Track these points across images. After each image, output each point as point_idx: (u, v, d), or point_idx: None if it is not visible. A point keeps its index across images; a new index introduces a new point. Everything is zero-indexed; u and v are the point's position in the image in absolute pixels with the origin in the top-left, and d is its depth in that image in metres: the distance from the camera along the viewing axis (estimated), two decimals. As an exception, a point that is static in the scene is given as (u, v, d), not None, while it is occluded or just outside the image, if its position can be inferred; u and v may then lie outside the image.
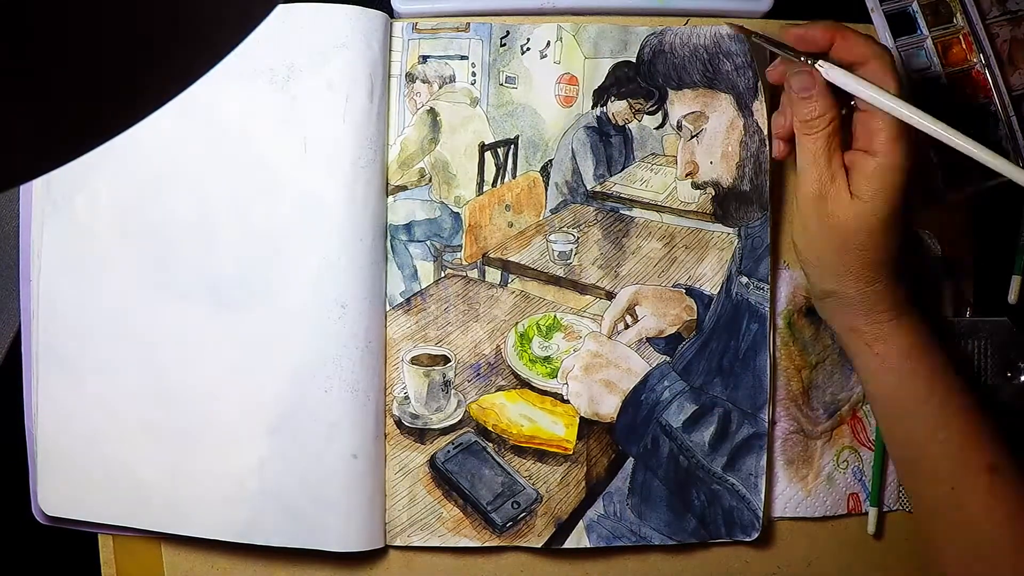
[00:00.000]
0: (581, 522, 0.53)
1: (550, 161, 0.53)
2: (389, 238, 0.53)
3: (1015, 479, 0.45)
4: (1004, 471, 0.45)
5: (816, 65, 0.45)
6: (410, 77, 0.53)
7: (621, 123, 0.54)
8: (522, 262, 0.54)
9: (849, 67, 0.45)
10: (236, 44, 0.22)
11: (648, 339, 0.53)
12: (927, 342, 0.47)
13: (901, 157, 0.44)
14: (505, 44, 0.53)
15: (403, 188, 0.53)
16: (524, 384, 0.53)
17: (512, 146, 0.53)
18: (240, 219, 0.51)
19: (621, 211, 0.54)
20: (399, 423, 0.53)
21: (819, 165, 0.45)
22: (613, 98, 0.53)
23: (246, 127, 0.51)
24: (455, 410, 0.53)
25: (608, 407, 0.53)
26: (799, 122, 0.46)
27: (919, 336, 0.47)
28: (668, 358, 0.53)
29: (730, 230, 0.54)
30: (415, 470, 0.52)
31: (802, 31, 0.46)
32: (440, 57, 0.53)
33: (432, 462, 0.52)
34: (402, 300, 0.53)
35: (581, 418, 0.53)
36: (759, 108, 0.53)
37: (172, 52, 0.21)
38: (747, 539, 0.53)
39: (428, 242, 0.53)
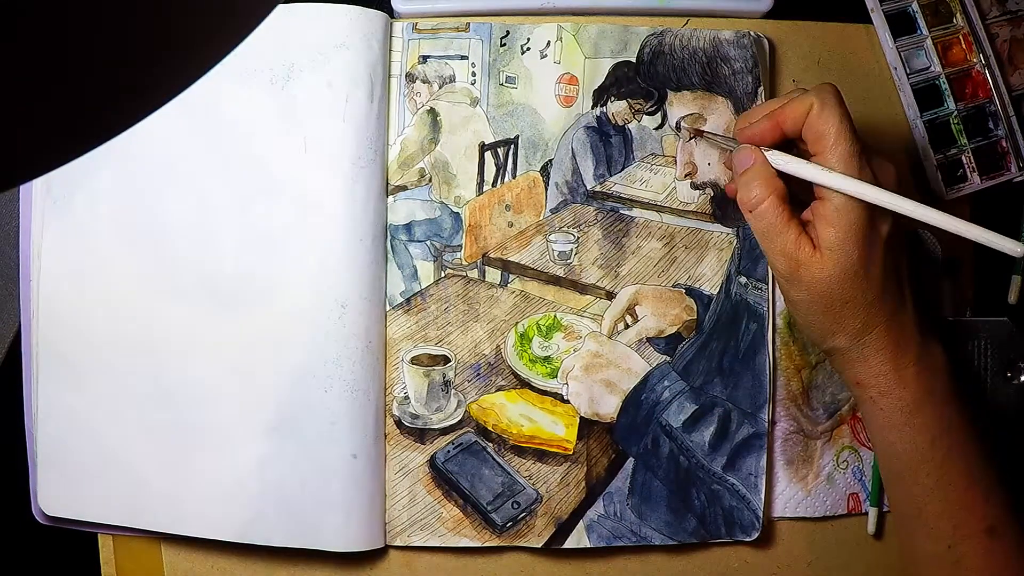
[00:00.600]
0: (581, 522, 0.53)
1: (550, 161, 0.53)
2: (389, 238, 0.53)
3: (1013, 541, 0.45)
4: (1003, 533, 0.44)
5: (767, 154, 0.45)
6: (410, 77, 0.53)
7: (621, 123, 0.54)
8: (522, 262, 0.54)
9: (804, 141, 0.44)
10: (236, 44, 0.22)
11: (648, 339, 0.53)
12: (935, 394, 0.45)
13: (849, 199, 0.42)
14: (505, 44, 0.53)
15: (403, 188, 0.53)
16: (524, 384, 0.53)
17: (512, 146, 0.53)
18: (240, 219, 0.51)
19: (621, 211, 0.54)
20: (399, 423, 0.53)
21: (777, 240, 0.44)
22: (613, 98, 0.53)
23: (246, 127, 0.51)
24: (455, 410, 0.53)
25: (608, 407, 0.53)
26: (743, 206, 0.45)
27: (926, 388, 0.45)
28: (668, 358, 0.53)
29: (729, 230, 0.54)
30: (415, 470, 0.52)
31: (751, 132, 0.45)
32: (440, 57, 0.53)
33: (432, 462, 0.52)
34: (402, 300, 0.53)
35: (581, 418, 0.53)
36: (759, 108, 0.53)
37: (172, 52, 0.21)
38: (747, 539, 0.53)
39: (428, 242, 0.53)
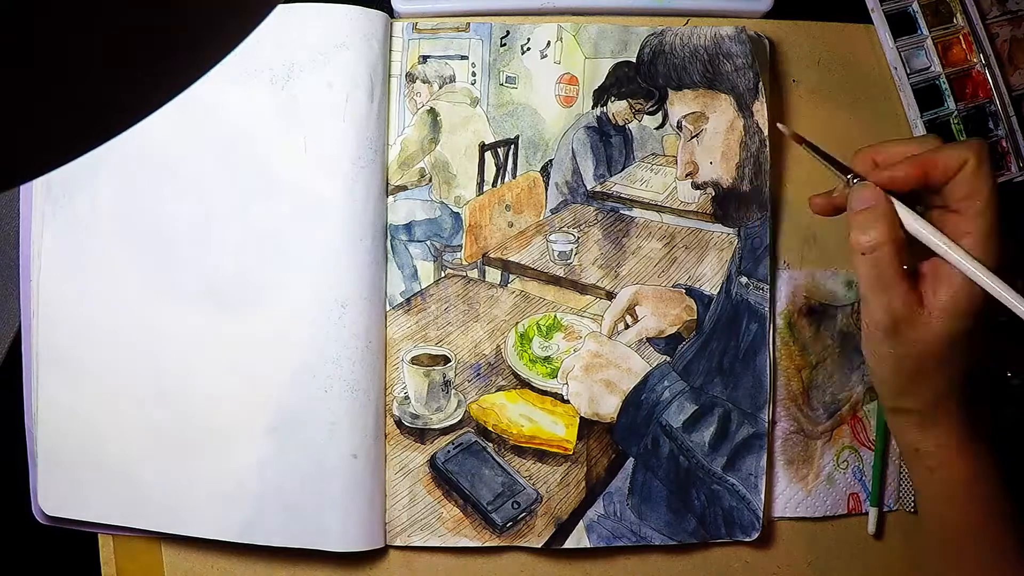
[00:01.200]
0: (581, 522, 0.53)
1: (550, 161, 0.53)
2: (389, 238, 0.53)
3: None
4: None
5: (899, 208, 0.41)
6: (410, 77, 0.53)
7: (621, 123, 0.54)
8: (522, 262, 0.54)
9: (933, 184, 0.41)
10: (236, 44, 0.22)
11: (648, 339, 0.53)
12: (990, 470, 0.44)
13: (991, 256, 0.40)
14: (505, 44, 0.53)
15: (403, 188, 0.53)
16: (524, 384, 0.53)
17: (512, 146, 0.53)
18: (240, 219, 0.51)
19: (621, 211, 0.54)
20: (399, 423, 0.53)
21: (885, 292, 0.41)
22: (613, 98, 0.53)
23: (246, 127, 0.51)
24: (455, 410, 0.53)
25: (608, 407, 0.53)
26: (855, 246, 0.42)
27: (985, 463, 0.44)
28: (668, 358, 0.53)
29: (730, 230, 0.54)
30: (415, 470, 0.52)
31: (889, 175, 0.42)
32: (440, 57, 0.53)
33: (432, 462, 0.52)
34: (402, 300, 0.53)
35: (581, 418, 0.53)
36: (759, 109, 0.53)
37: (172, 52, 0.21)
38: (747, 539, 0.53)
39: (428, 242, 0.53)
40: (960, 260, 0.40)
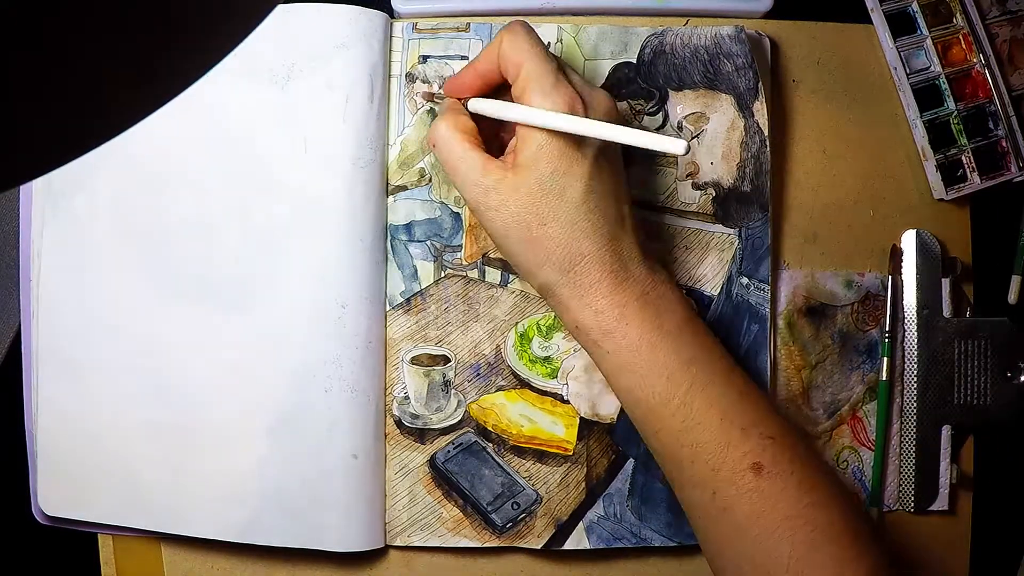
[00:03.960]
0: (581, 523, 0.53)
1: (550, 161, 0.53)
2: (389, 238, 0.53)
3: (784, 475, 0.40)
4: (771, 469, 0.40)
5: (468, 102, 0.45)
6: (410, 77, 0.53)
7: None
8: (522, 262, 0.54)
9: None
10: (236, 44, 0.22)
11: (648, 339, 0.53)
12: (665, 329, 0.41)
13: (551, 102, 0.40)
14: (505, 44, 0.53)
15: (403, 188, 0.53)
16: (524, 384, 0.53)
17: (512, 146, 0.53)
18: (240, 219, 0.51)
19: (621, 211, 0.54)
20: (399, 423, 0.53)
21: (462, 166, 0.42)
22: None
23: (246, 127, 0.51)
24: (455, 410, 0.53)
25: (608, 408, 0.53)
26: (429, 144, 0.45)
27: (653, 324, 0.41)
28: (668, 358, 0.53)
29: (731, 231, 0.53)
30: (415, 470, 0.52)
31: (454, 83, 0.46)
32: (440, 57, 0.53)
33: (432, 462, 0.52)
34: (402, 300, 0.53)
35: (581, 419, 0.53)
36: (760, 109, 0.53)
37: (171, 52, 0.21)
38: (747, 539, 0.53)
39: (428, 242, 0.53)
40: (509, 111, 0.41)
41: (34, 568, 0.55)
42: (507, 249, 0.43)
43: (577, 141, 0.41)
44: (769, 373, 0.53)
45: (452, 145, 0.43)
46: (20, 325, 0.52)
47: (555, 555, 0.53)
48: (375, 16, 0.51)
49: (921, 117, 0.54)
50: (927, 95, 0.55)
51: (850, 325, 0.55)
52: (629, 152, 0.49)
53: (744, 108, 0.53)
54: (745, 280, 0.53)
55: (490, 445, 0.53)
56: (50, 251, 0.51)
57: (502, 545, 0.52)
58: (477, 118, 0.45)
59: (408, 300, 0.53)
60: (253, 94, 0.51)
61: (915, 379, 0.54)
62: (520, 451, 0.53)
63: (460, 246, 0.53)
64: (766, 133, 0.53)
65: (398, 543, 0.52)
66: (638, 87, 0.53)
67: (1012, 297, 0.56)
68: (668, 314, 0.42)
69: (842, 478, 0.55)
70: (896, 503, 0.55)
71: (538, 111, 0.41)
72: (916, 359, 0.54)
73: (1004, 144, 0.55)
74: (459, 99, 0.46)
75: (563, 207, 0.40)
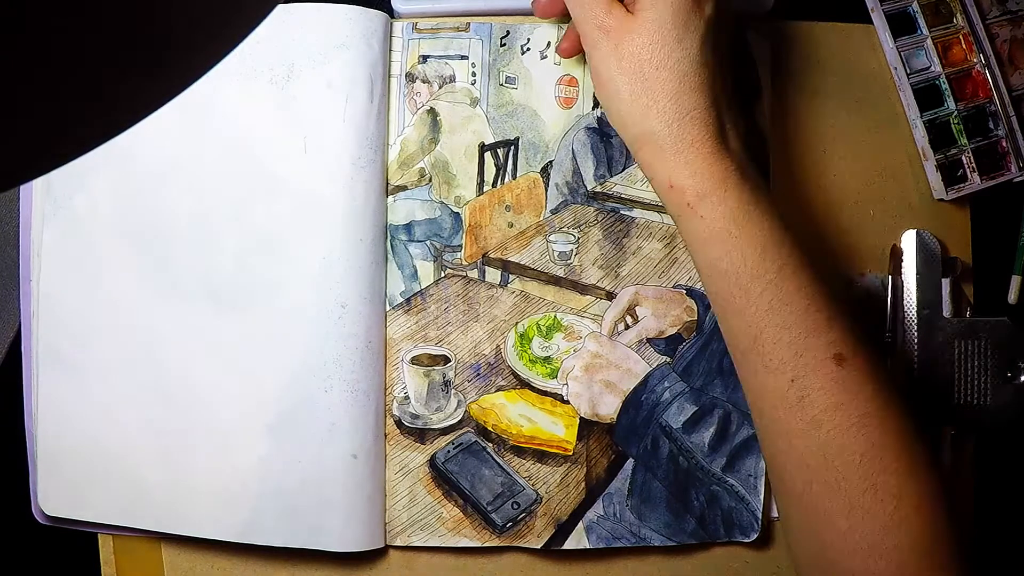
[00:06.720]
0: (581, 523, 0.53)
1: (550, 162, 0.53)
2: (389, 238, 0.53)
3: (863, 368, 0.39)
4: (851, 361, 0.39)
5: None
6: (410, 77, 0.53)
7: (621, 123, 0.53)
8: (522, 262, 0.54)
9: None
10: (236, 44, 0.22)
11: (648, 340, 0.53)
12: (761, 205, 0.41)
13: None
14: (505, 44, 0.53)
15: (403, 188, 0.53)
16: (524, 384, 0.53)
17: (512, 147, 0.53)
18: (240, 219, 0.51)
19: (622, 211, 0.54)
20: (399, 423, 0.53)
21: (586, 5, 0.42)
22: (613, 98, 0.53)
23: (246, 127, 0.51)
24: (455, 410, 0.53)
25: (608, 408, 0.53)
26: None
27: (750, 197, 0.41)
28: (668, 359, 0.53)
29: (730, 230, 0.53)
30: (415, 470, 0.52)
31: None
32: (440, 57, 0.53)
33: (432, 462, 0.52)
34: (402, 300, 0.53)
35: (581, 419, 0.53)
36: (760, 109, 0.53)
37: (172, 52, 0.21)
38: (746, 540, 0.53)
39: (428, 242, 0.53)
40: None
41: (34, 568, 0.55)
42: (614, 92, 0.42)
43: (698, 1, 0.41)
44: (769, 373, 0.53)
45: None
46: (20, 325, 0.52)
47: (555, 555, 0.53)
48: (375, 16, 0.51)
49: (921, 117, 0.54)
50: (927, 95, 0.55)
51: (850, 325, 0.55)
52: (628, 151, 0.50)
53: (745, 108, 0.53)
54: (745, 280, 0.53)
55: (490, 445, 0.53)
56: (50, 251, 0.51)
57: (502, 545, 0.52)
58: None
59: (408, 300, 0.53)
60: (253, 94, 0.51)
61: (915, 379, 0.54)
62: (520, 451, 0.53)
63: (460, 246, 0.53)
64: (767, 133, 0.53)
65: (398, 543, 0.52)
66: (638, 87, 0.53)
67: (1012, 297, 0.56)
68: (763, 192, 0.42)
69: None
70: (896, 503, 0.55)
71: None
72: (916, 359, 0.54)
73: (1004, 144, 0.55)
74: None
75: (680, 55, 0.40)
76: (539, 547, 0.52)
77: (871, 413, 0.39)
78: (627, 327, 0.53)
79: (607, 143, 0.53)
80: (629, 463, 0.53)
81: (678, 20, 0.41)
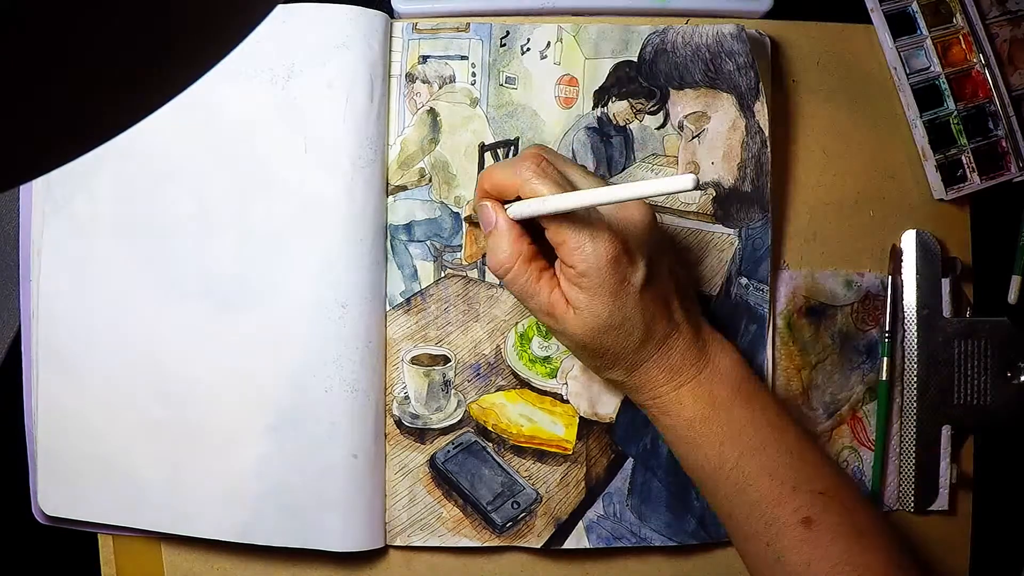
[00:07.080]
0: (581, 523, 0.53)
1: (550, 161, 0.53)
2: (389, 238, 0.53)
3: (832, 526, 0.43)
4: (819, 521, 0.43)
5: (509, 208, 0.44)
6: (410, 77, 0.53)
7: (622, 123, 0.53)
8: (522, 262, 0.54)
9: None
10: (236, 44, 0.22)
11: (648, 339, 0.53)
12: (718, 403, 0.46)
13: (589, 258, 0.42)
14: (505, 44, 0.53)
15: (403, 188, 0.53)
16: (524, 384, 0.53)
17: (512, 148, 0.53)
18: (240, 219, 0.51)
19: (621, 211, 0.54)
20: (399, 423, 0.53)
21: (532, 302, 0.45)
22: (614, 98, 0.53)
23: (246, 127, 0.51)
24: (455, 410, 0.53)
25: (608, 407, 0.53)
26: (493, 272, 0.45)
27: (706, 401, 0.46)
28: (668, 358, 0.53)
29: (731, 231, 0.53)
30: (415, 470, 0.52)
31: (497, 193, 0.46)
32: (440, 57, 0.53)
33: (432, 462, 0.52)
34: (402, 300, 0.53)
35: (581, 418, 0.53)
36: (760, 109, 0.53)
37: (172, 52, 0.21)
38: (747, 539, 0.53)
39: (428, 242, 0.53)
40: (549, 203, 0.42)
41: (34, 568, 0.55)
42: (579, 357, 0.48)
43: (622, 277, 0.43)
44: (768, 373, 0.53)
45: (523, 280, 0.44)
46: (20, 325, 0.52)
47: (555, 554, 0.53)
48: (375, 16, 0.51)
49: (921, 117, 0.54)
50: (927, 95, 0.55)
51: (850, 325, 0.55)
52: (628, 151, 0.50)
53: (745, 108, 0.53)
54: (744, 280, 0.53)
55: (490, 445, 0.53)
56: (50, 251, 0.51)
57: (502, 544, 0.52)
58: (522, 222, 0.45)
59: (408, 300, 0.53)
60: (253, 94, 0.51)
61: (915, 379, 0.54)
62: (520, 451, 0.53)
63: (460, 246, 0.53)
64: (767, 133, 0.53)
65: (398, 543, 0.52)
66: (639, 86, 0.53)
67: (1012, 297, 0.56)
68: (720, 387, 0.46)
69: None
70: (896, 503, 0.55)
71: (574, 194, 0.41)
72: (916, 359, 0.54)
73: (1004, 144, 0.55)
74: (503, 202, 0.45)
75: (620, 338, 0.44)
76: (539, 547, 0.52)
77: (844, 562, 0.42)
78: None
79: (607, 143, 0.53)
80: (629, 462, 0.53)
81: (612, 314, 0.43)
